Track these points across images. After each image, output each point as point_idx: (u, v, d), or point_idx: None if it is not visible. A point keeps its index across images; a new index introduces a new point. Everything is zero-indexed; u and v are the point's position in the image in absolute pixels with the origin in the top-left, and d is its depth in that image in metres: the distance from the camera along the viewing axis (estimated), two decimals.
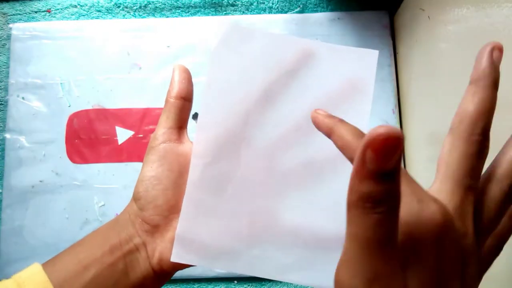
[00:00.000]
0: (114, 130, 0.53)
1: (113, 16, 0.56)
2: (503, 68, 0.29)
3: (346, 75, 0.30)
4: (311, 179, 0.30)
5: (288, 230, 0.29)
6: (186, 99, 0.30)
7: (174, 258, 0.28)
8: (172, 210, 0.28)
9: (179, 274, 0.49)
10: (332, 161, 0.29)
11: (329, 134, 0.24)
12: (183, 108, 0.30)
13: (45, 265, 0.26)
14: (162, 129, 0.29)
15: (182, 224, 0.28)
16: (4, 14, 0.56)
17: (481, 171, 0.20)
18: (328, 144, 0.25)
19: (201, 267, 0.49)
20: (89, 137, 0.52)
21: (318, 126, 0.25)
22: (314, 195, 0.29)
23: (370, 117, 0.30)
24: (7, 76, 0.54)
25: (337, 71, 0.30)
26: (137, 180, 0.29)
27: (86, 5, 0.56)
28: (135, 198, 0.29)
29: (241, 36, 0.31)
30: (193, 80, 0.31)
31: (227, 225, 0.29)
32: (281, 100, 0.30)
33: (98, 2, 0.56)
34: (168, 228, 0.28)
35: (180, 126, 0.30)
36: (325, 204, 0.29)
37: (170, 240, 0.28)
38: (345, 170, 0.23)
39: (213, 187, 0.29)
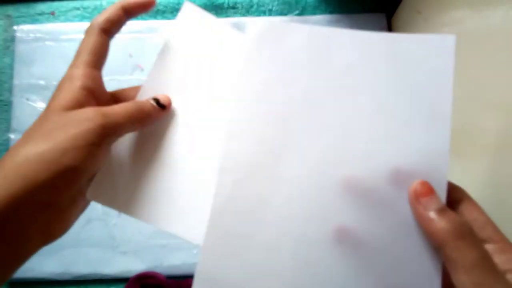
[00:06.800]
0: None
1: None
2: (501, 69, 0.30)
3: (414, 70, 0.25)
4: (371, 202, 0.23)
5: (348, 273, 0.22)
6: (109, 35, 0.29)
7: None
8: None
9: (182, 270, 0.49)
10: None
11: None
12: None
13: None
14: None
15: (205, 261, 0.23)
16: (8, 16, 0.56)
17: None
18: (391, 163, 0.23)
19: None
20: None
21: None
22: (378, 219, 0.23)
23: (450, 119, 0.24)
24: (11, 78, 0.55)
25: (402, 67, 0.25)
26: None
27: (89, 7, 0.57)
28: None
29: (278, 33, 0.27)
30: None
31: (264, 263, 0.23)
32: (329, 104, 0.25)
33: (101, 4, 0.57)
34: None
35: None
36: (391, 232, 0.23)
37: None
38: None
39: (246, 212, 0.24)
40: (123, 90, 0.30)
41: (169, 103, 0.28)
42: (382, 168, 0.23)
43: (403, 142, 0.23)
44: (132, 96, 0.29)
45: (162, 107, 0.28)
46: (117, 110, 0.25)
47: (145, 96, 0.29)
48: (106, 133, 0.24)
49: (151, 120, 0.27)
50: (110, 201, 0.27)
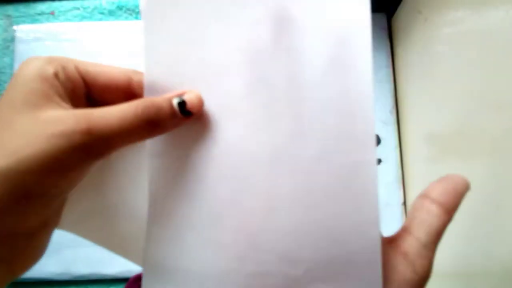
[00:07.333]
0: None
1: (116, 18, 0.57)
2: (501, 69, 0.30)
3: (332, 25, 0.20)
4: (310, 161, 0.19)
5: (296, 232, 0.20)
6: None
7: None
8: None
9: None
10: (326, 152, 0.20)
11: None
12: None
13: None
14: None
15: (150, 249, 0.22)
16: (8, 16, 0.56)
17: None
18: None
19: None
20: None
21: None
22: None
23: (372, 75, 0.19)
24: (11, 77, 0.55)
25: (321, 22, 0.20)
26: None
27: (89, 7, 0.57)
28: None
29: None
30: None
31: (208, 241, 0.21)
32: (256, 62, 0.20)
33: (101, 4, 0.57)
34: None
35: None
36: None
37: None
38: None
39: (181, 194, 0.21)
40: (99, 68, 0.21)
41: (200, 107, 0.20)
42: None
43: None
44: (116, 79, 0.21)
45: (187, 114, 0.19)
46: (109, 119, 0.17)
47: (156, 89, 0.21)
48: (88, 154, 0.17)
49: (162, 131, 0.20)
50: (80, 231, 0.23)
